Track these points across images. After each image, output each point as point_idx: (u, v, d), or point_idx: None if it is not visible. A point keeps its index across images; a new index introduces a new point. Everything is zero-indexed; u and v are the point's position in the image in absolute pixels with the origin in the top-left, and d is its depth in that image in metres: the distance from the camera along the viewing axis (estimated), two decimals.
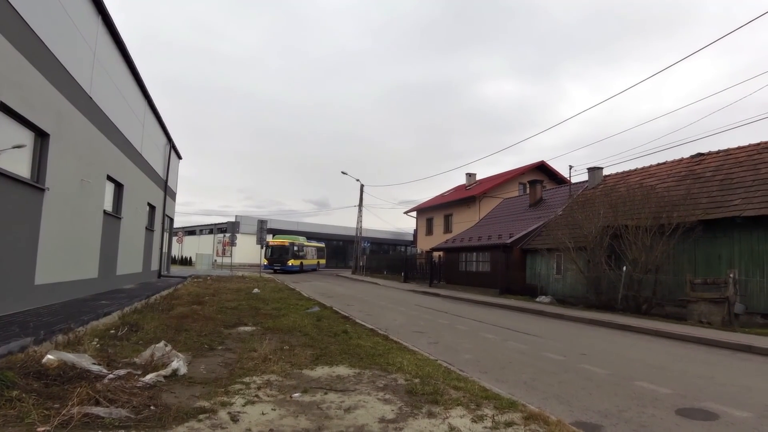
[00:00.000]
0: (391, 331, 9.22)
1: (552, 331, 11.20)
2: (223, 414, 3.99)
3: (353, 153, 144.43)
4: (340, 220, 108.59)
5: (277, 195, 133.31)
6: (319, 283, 25.73)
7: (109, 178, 13.54)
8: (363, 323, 10.14)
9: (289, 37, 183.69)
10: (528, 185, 28.15)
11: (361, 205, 41.39)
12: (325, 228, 57.97)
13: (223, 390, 4.66)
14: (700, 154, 18.00)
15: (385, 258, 42.56)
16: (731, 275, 12.40)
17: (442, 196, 39.96)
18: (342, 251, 58.79)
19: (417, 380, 5.35)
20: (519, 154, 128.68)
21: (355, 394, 4.78)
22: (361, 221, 41.80)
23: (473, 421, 4.11)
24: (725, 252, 13.81)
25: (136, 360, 5.54)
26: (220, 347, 6.90)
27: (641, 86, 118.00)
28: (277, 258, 39.41)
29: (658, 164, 19.84)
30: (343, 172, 40.45)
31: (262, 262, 34.46)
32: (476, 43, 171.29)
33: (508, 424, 4.05)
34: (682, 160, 18.72)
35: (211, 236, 55.90)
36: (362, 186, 40.95)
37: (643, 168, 20.58)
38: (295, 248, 40.90)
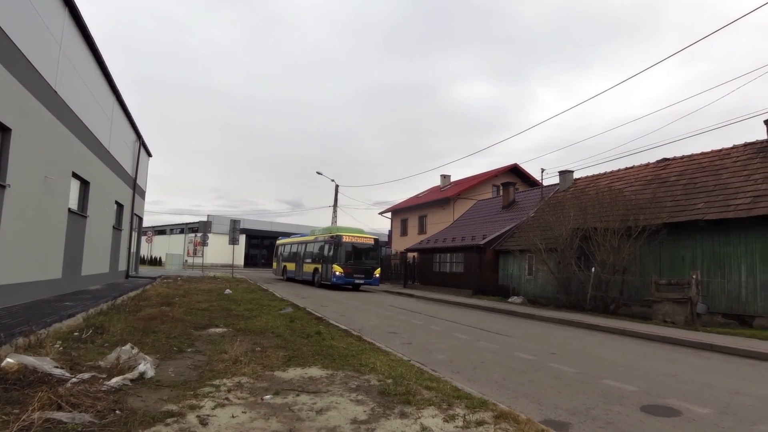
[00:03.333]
0: (365, 332, 9.21)
1: (523, 331, 11.39)
2: (191, 417, 3.90)
3: (328, 153, 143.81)
4: (315, 220, 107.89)
5: (250, 194, 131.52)
6: (292, 284, 25.84)
7: (75, 176, 13.10)
8: (337, 324, 10.10)
9: (263, 33, 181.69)
10: (501, 187, 28.58)
11: (336, 205, 41.25)
12: (300, 228, 57.40)
13: (192, 393, 4.56)
14: (665, 159, 18.62)
15: None
16: (694, 276, 12.88)
17: (416, 197, 40.18)
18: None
19: (390, 381, 5.36)
20: (492, 156, 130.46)
21: (328, 396, 4.76)
22: (335, 222, 41.65)
23: (445, 420, 4.14)
24: (688, 254, 14.33)
25: (101, 363, 5.37)
26: (189, 349, 6.76)
27: (610, 92, 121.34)
28: (359, 265, 23.51)
29: (626, 168, 20.43)
30: (318, 172, 40.19)
31: (235, 263, 33.50)
32: (451, 44, 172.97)
33: (479, 423, 4.10)
34: (648, 164, 19.33)
35: (182, 236, 54.73)
36: (337, 186, 40.82)
37: (612, 172, 21.17)
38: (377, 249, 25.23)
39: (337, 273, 22.95)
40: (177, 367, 5.71)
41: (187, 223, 55.78)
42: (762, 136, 15.21)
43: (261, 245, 55.20)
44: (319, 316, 11.37)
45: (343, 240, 23.58)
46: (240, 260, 49.48)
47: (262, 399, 4.55)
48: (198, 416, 3.94)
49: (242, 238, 45.08)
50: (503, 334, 10.52)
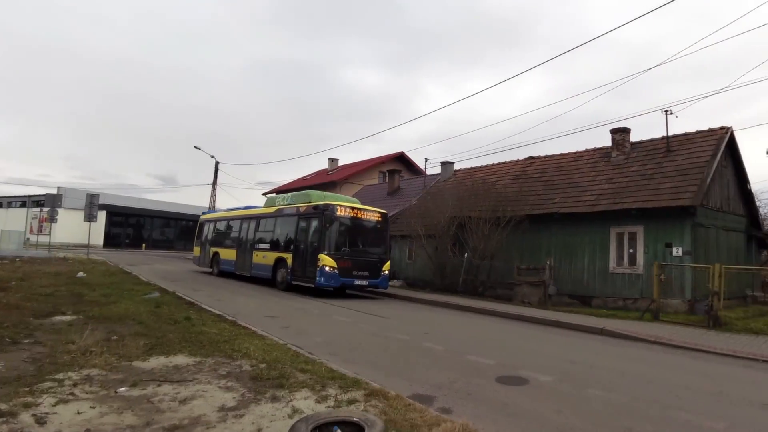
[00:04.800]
0: (241, 317, 8.90)
1: (400, 312, 11.96)
2: (25, 417, 3.44)
3: (211, 128, 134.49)
4: (191, 198, 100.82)
5: (116, 167, 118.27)
6: (162, 266, 23.50)
7: None
8: (210, 309, 9.60)
9: None
10: (387, 174, 29.42)
11: (215, 183, 38.92)
12: (173, 206, 53.15)
13: (27, 389, 4.01)
14: (531, 158, 20.72)
15: None
16: (548, 262, 14.63)
17: (303, 179, 39.61)
18: (191, 232, 54.67)
19: (263, 365, 5.26)
20: (380, 143, 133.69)
21: (194, 384, 4.52)
22: (214, 201, 39.33)
23: (317, 401, 4.20)
24: (545, 243, 16.21)
25: None
26: (26, 340, 5.91)
27: (490, 92, 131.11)
28: (362, 256, 14.78)
29: (499, 163, 22.32)
30: (196, 147, 37.36)
31: (92, 243, 29.41)
32: (345, 29, 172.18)
33: (351, 402, 4.22)
34: (518, 161, 21.34)
35: (24, 210, 47.35)
36: (217, 163, 38.51)
37: (487, 165, 22.97)
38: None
39: (327, 268, 13.59)
40: (10, 360, 4.97)
41: (30, 196, 48.36)
42: (608, 143, 17.64)
43: (126, 224, 50.00)
44: (191, 300, 10.71)
45: (337, 213, 14.10)
46: (99, 240, 44.34)
47: (115, 392, 4.17)
48: (34, 415, 3.49)
49: (102, 215, 40.22)
50: (382, 316, 10.92)
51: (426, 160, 25.25)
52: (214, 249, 20.67)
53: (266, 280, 16.51)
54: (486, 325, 10.66)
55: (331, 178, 33.70)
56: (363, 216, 14.92)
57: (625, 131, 16.86)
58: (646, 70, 28.77)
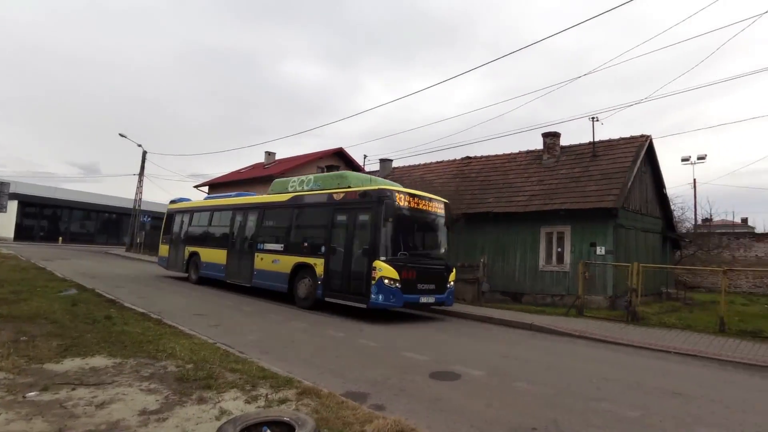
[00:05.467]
0: (167, 315, 8.50)
1: (335, 310, 11.91)
2: None
3: (139, 117, 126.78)
4: (115, 189, 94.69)
5: (31, 154, 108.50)
6: (82, 261, 21.87)
7: None
8: (133, 307, 9.08)
9: None
10: (326, 169, 29.21)
11: (142, 173, 36.83)
12: (94, 197, 49.63)
13: None
14: (468, 158, 21.36)
15: None
16: (482, 260, 15.17)
17: (238, 172, 38.40)
18: (115, 226, 51.38)
19: (190, 366, 5.07)
20: (319, 138, 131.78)
21: (113, 387, 4.27)
22: (141, 193, 37.23)
23: (247, 402, 4.10)
24: (480, 240, 16.79)
25: None
26: None
27: (430, 91, 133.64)
28: (427, 264, 10.69)
29: (437, 162, 22.81)
30: (121, 135, 35.07)
31: (2, 235, 26.82)
32: (284, 20, 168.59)
33: (282, 401, 4.17)
34: (455, 160, 21.91)
35: None
36: (144, 152, 36.45)
37: (425, 164, 23.39)
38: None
39: (386, 281, 9.62)
40: None
41: None
42: (541, 146, 18.53)
43: (40, 215, 46.10)
44: (112, 298, 10.07)
45: (397, 203, 10.08)
46: (9, 232, 40.56)
47: (24, 397, 3.87)
48: None
49: (13, 205, 36.83)
50: (317, 312, 10.83)
51: (365, 156, 25.40)
52: (191, 248, 15.94)
53: (275, 293, 12.17)
54: (422, 321, 10.87)
55: (268, 172, 32.94)
56: (426, 207, 10.67)
57: (556, 135, 17.81)
58: (575, 78, 30.64)
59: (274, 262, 12.24)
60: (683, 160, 30.42)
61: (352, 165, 34.03)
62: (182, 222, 17.23)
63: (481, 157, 20.85)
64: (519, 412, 4.65)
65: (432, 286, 10.50)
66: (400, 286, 9.67)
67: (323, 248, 10.90)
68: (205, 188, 38.43)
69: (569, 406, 4.92)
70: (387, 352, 7.12)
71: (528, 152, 19.12)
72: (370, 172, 25.97)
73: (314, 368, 5.84)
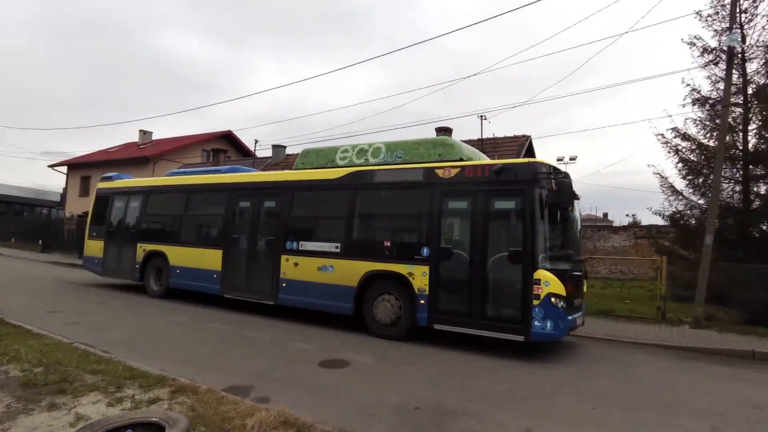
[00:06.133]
0: (13, 313, 7.42)
1: (221, 302, 11.35)
2: None
3: None
4: None
5: None
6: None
7: None
8: None
9: None
10: (211, 153, 27.64)
11: None
12: None
13: None
14: None
15: (15, 221, 34.05)
16: None
17: (106, 151, 34.72)
18: None
19: (39, 370, 4.48)
20: (204, 119, 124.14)
21: None
22: None
23: (109, 405, 3.74)
24: None
25: None
26: None
27: (325, 78, 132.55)
28: (579, 274, 7.73)
29: None
30: None
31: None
32: None
33: (153, 401, 3.87)
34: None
35: None
36: None
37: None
38: None
39: (553, 300, 6.50)
40: None
41: None
42: None
43: None
44: None
45: (556, 183, 6.87)
46: None
47: None
48: None
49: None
50: (198, 305, 10.20)
51: (256, 141, 24.51)
52: (148, 246, 11.27)
53: (318, 314, 8.76)
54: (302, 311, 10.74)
55: (143, 153, 30.28)
56: (574, 187, 7.20)
57: (448, 131, 18.69)
58: (466, 77, 32.46)
59: (322, 269, 8.42)
60: (558, 159, 33.82)
61: (241, 150, 32.64)
62: (128, 207, 12.16)
63: None
64: (404, 394, 4.83)
65: (580, 300, 7.71)
66: (565, 306, 6.65)
67: (426, 250, 7.41)
68: (64, 168, 34.26)
69: (449, 384, 5.22)
70: (274, 344, 6.94)
71: None
72: (261, 158, 25.12)
73: (192, 365, 5.50)
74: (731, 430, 4.28)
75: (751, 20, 11.82)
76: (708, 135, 12.57)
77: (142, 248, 11.38)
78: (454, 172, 7.46)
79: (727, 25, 11.16)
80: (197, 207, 11.00)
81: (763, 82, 11.97)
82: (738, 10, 11.15)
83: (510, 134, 18.32)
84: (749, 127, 12.15)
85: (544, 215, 6.65)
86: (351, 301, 7.98)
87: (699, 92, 12.46)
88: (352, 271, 8.03)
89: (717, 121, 11.78)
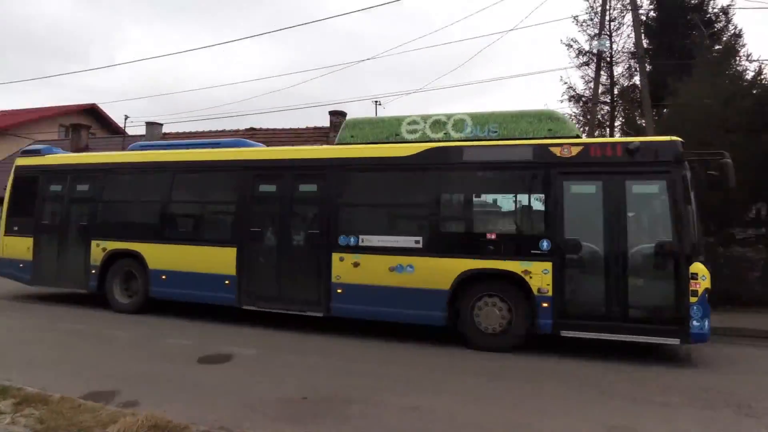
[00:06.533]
0: None
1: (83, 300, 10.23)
2: None
3: None
4: None
5: None
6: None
7: None
8: None
9: None
10: (71, 129, 24.68)
11: None
12: None
13: None
14: (252, 129, 20.77)
15: None
16: None
17: None
18: None
19: None
20: (62, 88, 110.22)
21: None
22: None
23: None
24: None
25: None
26: None
27: (206, 52, 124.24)
28: None
29: (219, 131, 21.51)
30: None
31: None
32: None
33: None
34: (238, 131, 21.03)
35: None
36: None
37: (204, 132, 21.82)
38: None
39: (707, 295, 5.92)
40: None
41: None
42: (327, 124, 19.10)
43: None
44: None
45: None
46: None
47: None
48: None
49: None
50: (60, 305, 9.05)
51: (126, 117, 22.32)
52: (116, 245, 8.61)
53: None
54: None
55: None
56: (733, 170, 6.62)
57: (342, 114, 18.60)
58: (360, 61, 32.60)
59: (396, 270, 6.97)
60: None
61: (109, 126, 29.61)
62: (71, 192, 9.21)
63: (267, 129, 20.51)
64: (290, 385, 4.69)
65: None
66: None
67: (546, 243, 6.30)
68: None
69: (325, 373, 5.19)
70: (146, 341, 6.39)
71: (315, 128, 19.58)
72: (133, 137, 22.99)
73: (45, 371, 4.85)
74: None
75: (618, 29, 13.33)
76: (582, 130, 14.00)
77: (101, 247, 8.55)
78: (575, 150, 6.37)
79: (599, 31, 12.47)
80: (191, 191, 8.76)
81: (627, 84, 13.59)
82: (608, 19, 12.49)
83: None
84: (615, 123, 13.75)
85: (691, 200, 5.95)
86: (442, 308, 6.51)
87: (575, 90, 13.84)
88: (441, 270, 6.62)
89: (589, 116, 13.17)
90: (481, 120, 7.13)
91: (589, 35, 13.35)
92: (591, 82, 13.20)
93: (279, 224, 7.64)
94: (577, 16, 13.29)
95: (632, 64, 13.36)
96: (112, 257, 8.48)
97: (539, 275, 6.18)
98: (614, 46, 13.33)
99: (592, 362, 5.77)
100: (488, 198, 7.28)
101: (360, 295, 6.94)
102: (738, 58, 11.11)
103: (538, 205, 6.52)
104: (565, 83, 13.67)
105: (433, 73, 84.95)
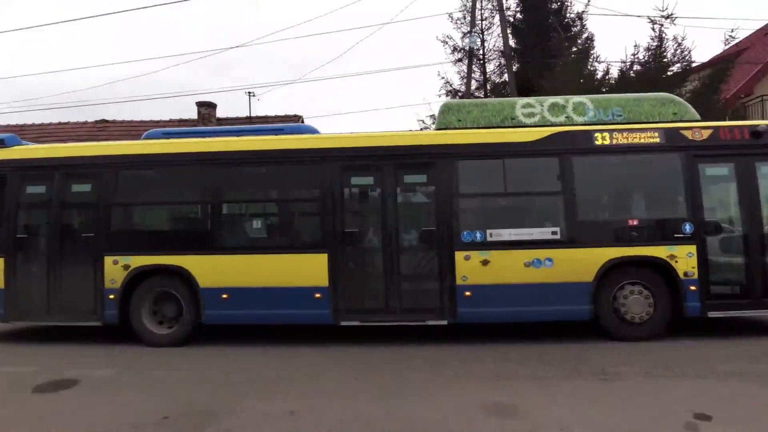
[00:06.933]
0: None
1: None
2: None
3: None
4: None
5: None
6: None
7: None
8: None
9: None
10: None
11: None
12: None
13: None
14: (105, 121, 18.59)
15: None
16: None
17: None
18: None
19: None
20: None
21: None
22: None
23: None
24: None
25: None
26: None
27: (40, 32, 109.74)
28: None
29: (60, 123, 18.96)
30: None
31: None
32: None
33: None
34: (86, 123, 18.72)
35: None
36: None
37: (43, 125, 19.08)
38: None
39: None
40: None
41: None
42: (195, 115, 17.74)
43: None
44: None
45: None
46: None
47: None
48: None
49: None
50: None
51: None
52: (145, 260, 6.62)
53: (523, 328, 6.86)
54: None
55: None
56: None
57: (212, 106, 17.48)
58: (226, 49, 30.75)
59: (532, 264, 6.49)
60: None
61: None
62: (63, 195, 6.97)
63: (122, 121, 18.52)
64: (152, 402, 4.08)
65: None
66: None
67: (689, 226, 6.36)
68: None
69: (203, 385, 4.65)
70: None
71: (180, 120, 18.08)
72: None
73: None
74: None
75: (489, 28, 14.16)
76: None
77: (120, 264, 6.61)
78: (706, 133, 6.50)
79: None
80: (257, 188, 7.49)
81: (498, 80, 14.48)
82: (480, 18, 13.19)
83: (281, 113, 18.09)
84: None
85: None
86: (587, 300, 6.26)
87: (451, 85, 14.42)
88: (584, 261, 6.36)
89: None
90: (602, 103, 7.02)
91: (462, 32, 14.02)
92: (465, 77, 13.88)
93: (381, 222, 6.68)
94: (451, 14, 13.88)
95: (502, 62, 14.30)
96: (138, 276, 6.62)
97: (684, 258, 6.24)
98: (486, 45, 14.17)
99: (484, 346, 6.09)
100: (625, 183, 7.00)
101: (492, 296, 6.38)
102: (590, 60, 12.40)
103: (676, 188, 6.55)
104: (443, 78, 14.23)
105: (311, 64, 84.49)
